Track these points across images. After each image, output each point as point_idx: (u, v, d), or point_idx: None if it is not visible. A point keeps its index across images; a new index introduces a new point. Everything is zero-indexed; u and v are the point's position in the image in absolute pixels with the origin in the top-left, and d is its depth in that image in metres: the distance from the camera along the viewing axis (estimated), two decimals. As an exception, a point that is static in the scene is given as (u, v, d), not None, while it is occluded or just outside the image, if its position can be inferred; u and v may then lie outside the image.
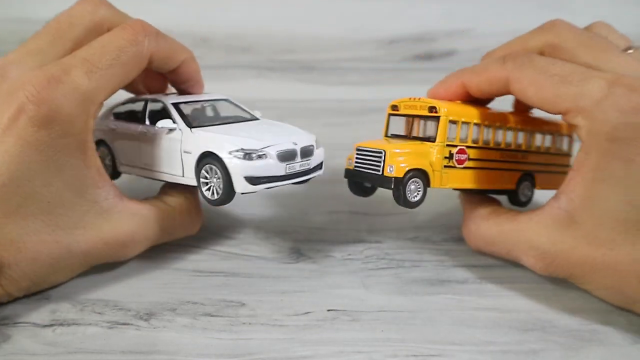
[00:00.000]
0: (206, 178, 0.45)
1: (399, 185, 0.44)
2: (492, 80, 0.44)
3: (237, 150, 0.43)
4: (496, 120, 0.49)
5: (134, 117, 0.51)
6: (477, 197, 0.49)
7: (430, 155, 0.45)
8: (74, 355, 0.37)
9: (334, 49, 1.00)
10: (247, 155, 0.43)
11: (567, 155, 0.54)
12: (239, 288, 0.45)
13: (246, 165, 0.43)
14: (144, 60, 0.43)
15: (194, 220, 0.49)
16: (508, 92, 0.44)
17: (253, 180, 0.43)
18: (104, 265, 0.47)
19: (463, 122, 0.46)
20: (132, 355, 0.37)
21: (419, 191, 0.45)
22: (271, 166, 0.43)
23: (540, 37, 0.45)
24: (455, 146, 0.46)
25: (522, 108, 0.53)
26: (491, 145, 0.49)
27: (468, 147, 0.46)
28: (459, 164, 0.46)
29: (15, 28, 0.75)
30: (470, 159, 0.47)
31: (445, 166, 0.45)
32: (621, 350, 0.38)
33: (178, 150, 0.46)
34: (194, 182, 0.46)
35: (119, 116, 0.52)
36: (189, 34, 0.99)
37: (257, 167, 0.43)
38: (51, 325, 0.40)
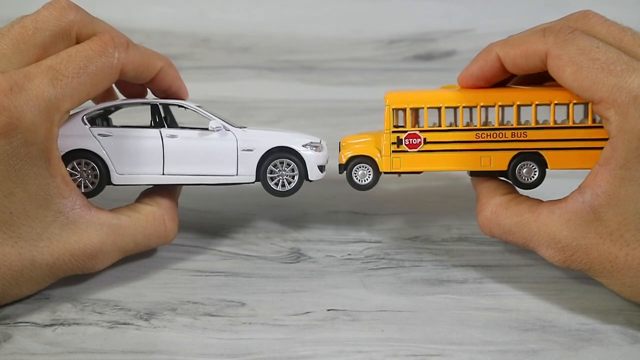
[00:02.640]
0: (271, 172, 0.49)
1: (343, 171, 0.50)
2: (529, 53, 0.41)
3: (307, 144, 0.49)
4: (469, 101, 0.47)
5: (136, 121, 0.50)
6: (493, 182, 0.47)
7: (380, 143, 0.49)
8: (74, 355, 0.37)
9: (334, 49, 1.00)
10: (315, 147, 0.50)
11: (591, 127, 0.46)
12: (239, 288, 0.45)
13: (317, 156, 0.50)
14: (114, 72, 0.43)
15: (168, 229, 0.47)
16: (544, 69, 0.41)
17: (321, 168, 0.50)
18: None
19: (413, 109, 0.48)
20: (132, 355, 0.37)
21: (369, 175, 0.50)
22: (325, 156, 0.51)
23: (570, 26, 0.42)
24: (405, 132, 0.48)
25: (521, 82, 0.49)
26: (460, 126, 0.47)
27: (422, 131, 0.48)
28: (411, 148, 0.48)
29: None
30: (428, 143, 0.48)
31: (394, 151, 0.48)
32: (621, 350, 0.38)
33: (234, 149, 0.48)
34: (251, 179, 0.49)
35: (105, 122, 0.50)
36: (189, 34, 0.99)
37: (323, 157, 0.50)
38: (51, 325, 0.40)
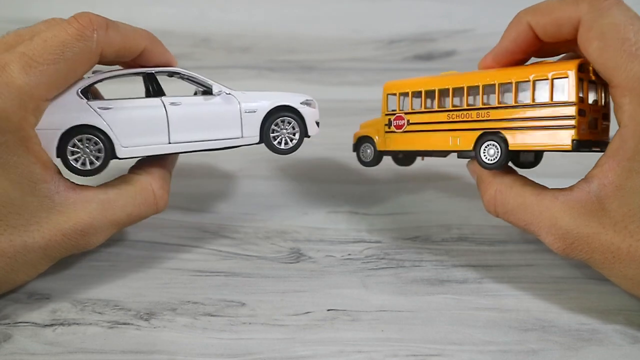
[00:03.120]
0: (274, 132, 0.50)
1: (354, 149, 0.56)
2: (561, 21, 0.40)
3: (304, 102, 0.52)
4: (443, 84, 0.49)
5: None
6: None
7: (380, 125, 0.54)
8: (74, 355, 0.37)
9: (334, 49, 1.00)
10: (309, 104, 0.52)
11: (553, 105, 0.43)
12: (239, 288, 0.45)
13: (313, 112, 0.52)
14: (93, 57, 0.41)
15: (157, 197, 0.46)
16: (575, 40, 0.40)
17: (317, 124, 0.52)
18: (104, 265, 0.47)
19: (402, 94, 0.52)
20: (132, 355, 0.37)
21: (370, 154, 0.55)
22: (318, 112, 0.53)
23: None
24: (394, 114, 0.52)
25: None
26: (436, 108, 0.49)
27: (407, 113, 0.51)
28: (397, 129, 0.52)
29: (16, 28, 0.74)
30: (410, 124, 0.51)
31: (386, 132, 0.53)
32: (621, 350, 0.38)
33: (237, 111, 0.49)
34: (255, 140, 0.50)
35: (91, 95, 0.48)
36: (189, 34, 0.99)
37: (317, 113, 0.53)
38: (51, 325, 0.40)
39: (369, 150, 0.55)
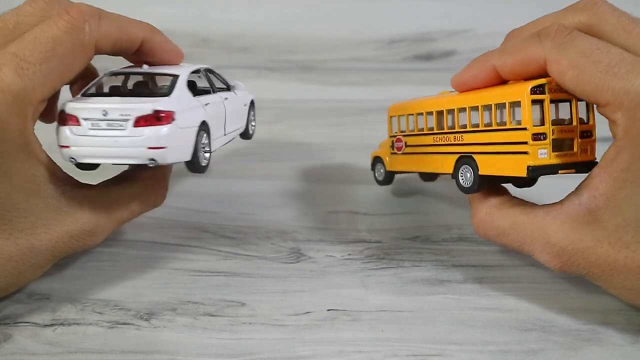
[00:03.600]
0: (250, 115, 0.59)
1: (371, 168, 0.59)
2: (527, 61, 0.39)
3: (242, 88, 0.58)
4: (431, 107, 0.49)
5: (193, 88, 0.46)
6: None
7: (387, 146, 0.56)
8: (74, 355, 0.37)
9: (334, 49, 1.00)
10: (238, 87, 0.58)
11: (511, 129, 0.42)
12: (239, 288, 0.45)
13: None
14: (87, 50, 0.39)
15: (158, 193, 0.47)
16: (546, 74, 0.40)
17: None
18: (104, 265, 0.47)
19: (400, 116, 0.53)
20: (132, 355, 0.37)
21: (382, 173, 0.57)
22: None
23: (576, 16, 0.40)
24: (395, 136, 0.54)
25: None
26: (425, 131, 0.50)
27: (405, 135, 0.53)
28: (398, 151, 0.54)
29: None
30: (407, 146, 0.53)
31: (391, 153, 0.55)
32: (621, 350, 0.38)
33: (243, 104, 0.56)
34: (243, 129, 0.57)
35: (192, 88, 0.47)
36: (189, 34, 0.99)
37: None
38: (51, 325, 0.40)
39: (381, 170, 0.58)
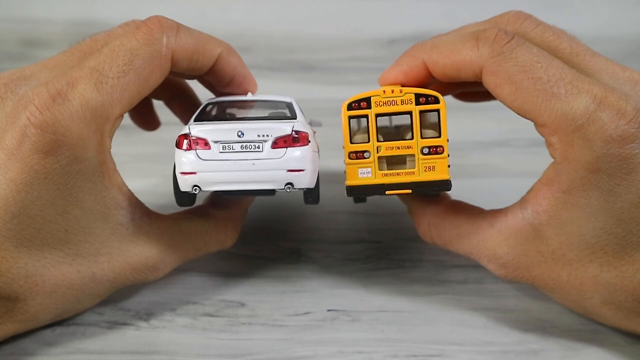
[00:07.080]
0: None
1: None
2: (460, 65, 0.37)
3: None
4: None
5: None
6: None
7: None
8: (74, 356, 0.37)
9: (334, 49, 1.00)
10: None
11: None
12: (239, 288, 0.45)
13: None
14: (164, 63, 0.37)
15: (228, 236, 0.44)
16: (479, 81, 0.37)
17: None
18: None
19: None
20: (132, 355, 0.37)
21: None
22: None
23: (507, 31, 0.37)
24: None
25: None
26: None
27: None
28: None
29: (16, 28, 0.74)
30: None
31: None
32: (621, 350, 0.38)
33: None
34: None
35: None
36: (189, 34, 0.99)
37: None
38: (51, 325, 0.40)
39: None
